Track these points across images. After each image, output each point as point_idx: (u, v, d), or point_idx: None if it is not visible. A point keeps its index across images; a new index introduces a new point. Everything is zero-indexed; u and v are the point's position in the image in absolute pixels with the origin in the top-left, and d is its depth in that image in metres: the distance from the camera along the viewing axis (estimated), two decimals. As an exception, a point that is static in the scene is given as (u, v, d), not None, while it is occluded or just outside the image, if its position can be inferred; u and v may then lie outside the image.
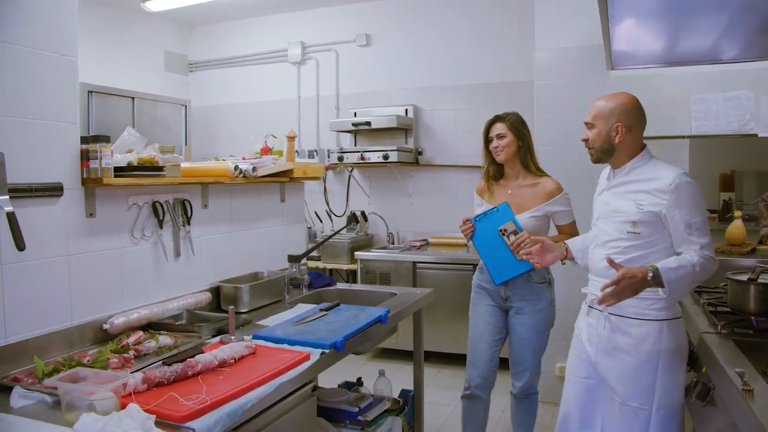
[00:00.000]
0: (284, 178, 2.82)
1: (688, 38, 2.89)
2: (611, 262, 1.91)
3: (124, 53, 5.09)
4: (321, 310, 2.34)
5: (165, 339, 1.94)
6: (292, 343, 1.95)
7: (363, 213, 4.96)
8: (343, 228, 3.76)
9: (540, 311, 2.66)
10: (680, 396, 1.99)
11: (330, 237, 3.34)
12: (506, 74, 4.63)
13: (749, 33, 2.75)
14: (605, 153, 2.08)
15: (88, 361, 1.74)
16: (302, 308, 2.46)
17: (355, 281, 4.65)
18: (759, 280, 2.02)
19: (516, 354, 2.72)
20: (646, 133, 4.41)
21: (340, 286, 3.03)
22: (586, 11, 3.54)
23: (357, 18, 5.09)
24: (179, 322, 2.22)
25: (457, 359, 4.14)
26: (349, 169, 5.13)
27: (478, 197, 2.80)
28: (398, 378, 2.87)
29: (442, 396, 3.78)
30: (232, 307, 1.97)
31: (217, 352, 1.72)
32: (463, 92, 4.79)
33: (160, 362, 1.72)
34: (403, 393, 2.90)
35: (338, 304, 2.42)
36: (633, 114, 2.05)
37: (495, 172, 2.75)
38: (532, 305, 2.66)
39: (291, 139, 2.84)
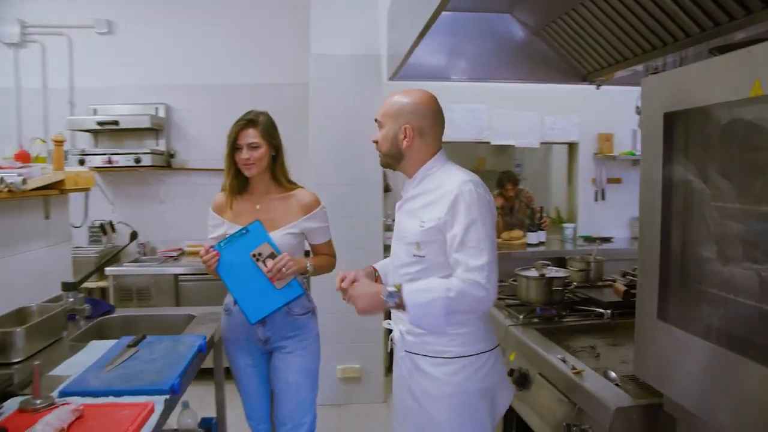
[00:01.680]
0: (51, 191, 2.32)
1: (454, 58, 3.20)
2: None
3: None
4: (129, 346, 2.00)
5: (-67, 418, 1.43)
6: (117, 393, 1.64)
7: (111, 223, 4.35)
8: (128, 244, 3.13)
9: (307, 347, 2.26)
10: None
11: (116, 254, 2.83)
12: (274, 76, 4.55)
13: (498, 58, 3.14)
14: (393, 158, 1.78)
15: None
16: (99, 346, 2.07)
17: (106, 300, 4.06)
18: (544, 275, 2.40)
19: (283, 407, 2.24)
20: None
21: (123, 312, 2.63)
22: (361, 21, 3.70)
23: (95, 1, 4.42)
24: (-67, 390, 1.66)
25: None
26: (88, 172, 4.44)
27: (217, 216, 2.26)
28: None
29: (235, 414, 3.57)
30: (38, 362, 1.55)
31: (40, 426, 1.34)
32: (224, 92, 4.54)
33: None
34: (205, 422, 2.65)
35: (144, 337, 2.10)
36: (425, 114, 1.74)
37: (239, 185, 2.24)
38: (298, 342, 2.24)
39: (59, 143, 2.36)
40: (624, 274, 2.91)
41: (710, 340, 1.23)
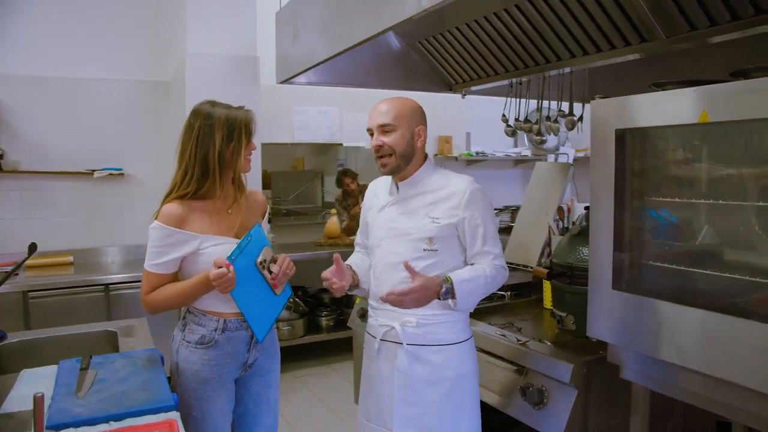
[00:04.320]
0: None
1: (335, 64, 3.31)
2: (408, 266, 1.76)
3: None
4: (82, 369, 1.84)
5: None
6: (118, 417, 1.54)
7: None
8: (25, 259, 2.52)
9: (278, 361, 2.11)
10: (479, 416, 1.98)
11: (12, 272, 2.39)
12: (128, 72, 4.21)
13: (376, 66, 3.34)
14: (406, 159, 1.86)
15: None
16: (38, 374, 1.85)
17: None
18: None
19: (261, 425, 2.06)
20: (263, 140, 4.87)
21: (19, 336, 2.33)
22: (237, 22, 3.66)
23: None
24: None
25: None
26: None
27: (180, 231, 1.83)
28: None
29: None
30: (41, 393, 1.38)
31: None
32: (63, 86, 4.07)
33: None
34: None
35: (91, 357, 1.94)
36: (424, 118, 1.92)
37: (205, 190, 1.89)
38: (275, 359, 2.08)
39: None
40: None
41: (655, 297, 1.63)
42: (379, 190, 2.05)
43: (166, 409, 1.58)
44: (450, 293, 1.78)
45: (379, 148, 1.88)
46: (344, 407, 3.73)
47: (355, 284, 2.00)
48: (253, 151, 1.97)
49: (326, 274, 1.88)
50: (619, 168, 1.71)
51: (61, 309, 3.53)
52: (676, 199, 1.65)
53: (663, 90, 1.62)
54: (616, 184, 1.72)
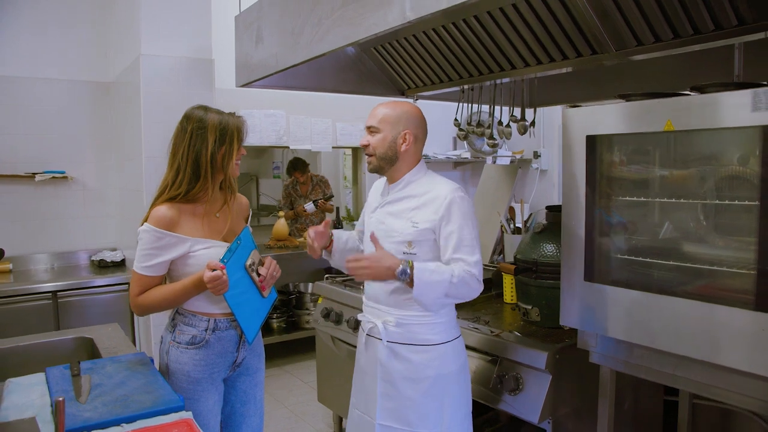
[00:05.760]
0: None
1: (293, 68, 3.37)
2: (374, 237, 1.88)
3: None
4: (74, 375, 1.82)
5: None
6: (129, 420, 1.55)
7: None
8: None
9: (263, 360, 2.16)
10: (469, 414, 2.02)
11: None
12: (76, 72, 4.08)
13: (331, 70, 3.40)
14: (387, 161, 1.95)
15: None
16: (25, 383, 1.81)
17: None
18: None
19: (247, 425, 2.09)
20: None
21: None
22: (192, 24, 3.62)
23: None
24: None
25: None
26: None
27: (171, 234, 1.85)
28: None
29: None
30: (62, 398, 1.37)
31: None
32: (7, 86, 3.88)
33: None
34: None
35: (79, 363, 1.91)
36: (419, 124, 1.98)
37: (195, 192, 1.92)
38: (261, 358, 2.12)
39: None
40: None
41: (624, 287, 1.82)
42: (377, 190, 2.14)
43: (176, 410, 1.60)
44: (407, 275, 1.80)
45: (365, 147, 2.00)
46: (304, 408, 3.78)
47: (328, 248, 2.13)
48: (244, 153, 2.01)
49: (309, 231, 2.06)
50: (590, 171, 1.90)
51: (6, 319, 3.36)
52: (641, 198, 1.84)
53: (628, 101, 1.81)
54: (587, 185, 1.90)
